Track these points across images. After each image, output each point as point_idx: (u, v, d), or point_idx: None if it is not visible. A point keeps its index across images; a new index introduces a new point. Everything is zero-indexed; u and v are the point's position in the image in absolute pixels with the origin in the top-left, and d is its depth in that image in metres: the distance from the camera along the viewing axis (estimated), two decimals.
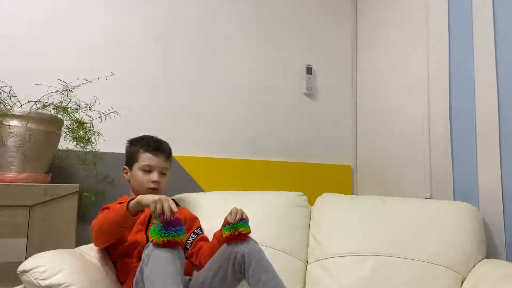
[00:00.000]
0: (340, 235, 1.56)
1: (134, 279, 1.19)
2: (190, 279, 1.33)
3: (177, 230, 1.13)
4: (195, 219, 1.54)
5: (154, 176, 1.46)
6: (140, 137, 1.55)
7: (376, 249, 1.48)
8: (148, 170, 1.47)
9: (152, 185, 1.46)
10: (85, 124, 1.66)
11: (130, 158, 1.51)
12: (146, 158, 1.48)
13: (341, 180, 2.31)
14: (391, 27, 2.15)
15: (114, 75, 1.87)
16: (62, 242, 1.43)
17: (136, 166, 1.48)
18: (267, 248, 1.45)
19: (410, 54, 2.00)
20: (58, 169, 1.69)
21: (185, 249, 1.45)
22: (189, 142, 2.02)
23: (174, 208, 1.13)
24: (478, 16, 1.63)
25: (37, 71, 1.76)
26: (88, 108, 1.70)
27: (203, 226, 1.53)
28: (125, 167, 1.53)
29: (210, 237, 1.43)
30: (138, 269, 1.17)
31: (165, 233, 1.11)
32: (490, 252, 1.50)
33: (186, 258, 1.44)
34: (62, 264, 1.13)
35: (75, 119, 1.64)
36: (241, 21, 2.20)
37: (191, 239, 1.46)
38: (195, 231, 1.49)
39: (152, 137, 1.55)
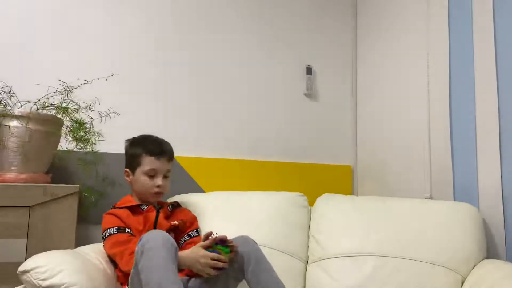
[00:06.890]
0: (340, 236, 1.56)
1: (130, 275, 1.18)
2: (189, 279, 1.33)
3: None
4: (193, 221, 1.53)
5: (159, 180, 1.44)
6: (140, 138, 1.52)
7: (376, 249, 1.48)
8: (152, 174, 1.45)
9: (157, 190, 1.45)
10: (85, 125, 1.66)
11: (132, 162, 1.48)
12: (149, 162, 1.44)
13: (341, 180, 2.31)
14: (391, 28, 2.15)
15: (114, 75, 1.87)
16: (62, 242, 1.43)
17: (139, 171, 1.45)
18: (267, 249, 1.46)
19: (410, 54, 2.00)
20: (58, 169, 1.69)
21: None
22: (189, 142, 2.02)
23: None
24: (478, 17, 1.63)
25: (37, 71, 1.77)
26: (88, 109, 1.70)
27: (202, 227, 1.53)
28: (127, 170, 1.50)
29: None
30: (134, 264, 1.15)
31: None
32: (490, 252, 1.50)
33: None
34: (62, 265, 1.13)
35: (75, 119, 1.64)
36: (241, 21, 2.20)
37: (183, 240, 1.47)
38: (189, 233, 1.49)
39: (154, 138, 1.51)
